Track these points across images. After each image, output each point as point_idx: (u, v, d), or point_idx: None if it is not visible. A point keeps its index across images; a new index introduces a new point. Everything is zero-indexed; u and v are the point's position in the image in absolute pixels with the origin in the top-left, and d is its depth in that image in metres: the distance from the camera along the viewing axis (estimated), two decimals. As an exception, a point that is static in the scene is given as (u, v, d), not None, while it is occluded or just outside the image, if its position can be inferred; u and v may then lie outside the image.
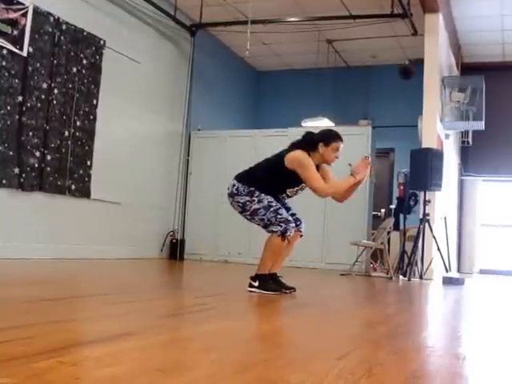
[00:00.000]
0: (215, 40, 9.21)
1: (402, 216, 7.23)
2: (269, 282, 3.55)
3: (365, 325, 2.75)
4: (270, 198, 3.54)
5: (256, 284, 3.52)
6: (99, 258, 6.48)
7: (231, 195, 3.61)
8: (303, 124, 8.69)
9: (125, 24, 7.08)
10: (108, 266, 5.81)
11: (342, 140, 3.70)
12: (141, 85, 7.41)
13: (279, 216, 3.47)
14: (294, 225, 3.51)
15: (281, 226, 3.45)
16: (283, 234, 3.45)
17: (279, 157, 3.63)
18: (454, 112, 7.85)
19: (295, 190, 3.71)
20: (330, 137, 3.68)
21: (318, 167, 3.70)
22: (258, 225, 3.61)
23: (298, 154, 3.58)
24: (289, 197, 3.76)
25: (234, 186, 3.61)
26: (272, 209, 3.49)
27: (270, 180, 3.62)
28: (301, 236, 3.78)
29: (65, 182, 6.11)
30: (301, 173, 3.55)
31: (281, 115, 9.65)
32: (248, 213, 3.56)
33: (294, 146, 3.69)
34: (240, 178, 3.65)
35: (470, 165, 9.88)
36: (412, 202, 7.13)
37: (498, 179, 9.83)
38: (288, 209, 3.73)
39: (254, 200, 3.53)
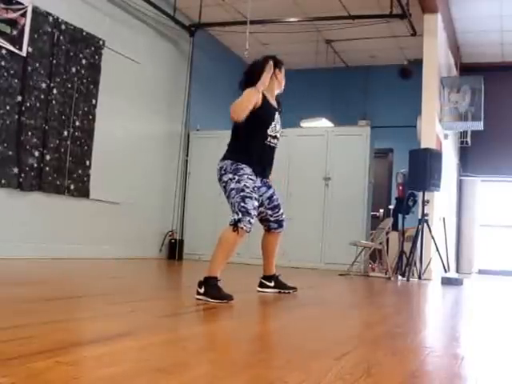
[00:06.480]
0: (214, 40, 9.21)
1: (400, 216, 7.23)
2: (216, 287, 3.07)
3: (363, 325, 2.75)
4: (248, 183, 3.27)
5: (202, 290, 3.06)
6: (98, 257, 6.48)
7: (220, 178, 3.38)
8: (302, 124, 8.69)
9: (124, 24, 7.08)
10: (107, 266, 5.80)
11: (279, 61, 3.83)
12: (140, 85, 7.41)
13: (242, 204, 3.19)
14: (251, 220, 3.19)
15: (237, 215, 3.18)
16: (235, 224, 3.16)
17: None
18: (453, 112, 7.86)
19: (274, 126, 3.58)
20: (274, 65, 3.77)
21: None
22: None
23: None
24: (275, 138, 3.55)
25: (221, 167, 3.37)
26: (242, 193, 3.23)
27: (246, 135, 3.40)
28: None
29: (64, 181, 6.11)
30: None
31: (280, 115, 9.63)
32: (227, 194, 3.31)
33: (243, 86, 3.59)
34: (224, 156, 3.42)
35: (469, 165, 9.90)
36: (411, 203, 7.12)
37: (496, 179, 9.84)
38: (276, 207, 3.59)
39: (234, 178, 3.28)
